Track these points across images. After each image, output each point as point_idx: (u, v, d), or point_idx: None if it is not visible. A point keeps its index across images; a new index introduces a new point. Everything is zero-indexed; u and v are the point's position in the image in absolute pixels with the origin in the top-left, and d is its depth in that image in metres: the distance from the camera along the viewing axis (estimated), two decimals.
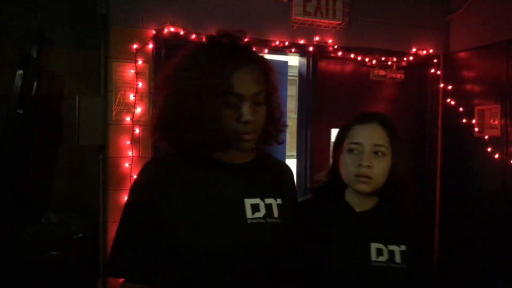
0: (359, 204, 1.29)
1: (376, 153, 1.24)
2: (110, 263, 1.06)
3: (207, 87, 0.99)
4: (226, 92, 0.99)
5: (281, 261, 1.08)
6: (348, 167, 1.25)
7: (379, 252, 1.22)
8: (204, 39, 1.09)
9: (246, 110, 1.01)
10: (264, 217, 1.05)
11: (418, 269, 1.24)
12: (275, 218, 1.06)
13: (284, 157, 3.04)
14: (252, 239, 1.02)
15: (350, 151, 1.26)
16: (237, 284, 1.00)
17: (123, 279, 1.05)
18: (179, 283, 1.02)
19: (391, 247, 1.23)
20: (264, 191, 1.09)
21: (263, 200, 1.07)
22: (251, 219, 1.03)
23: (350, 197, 1.31)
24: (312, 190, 1.44)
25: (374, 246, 1.23)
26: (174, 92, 1.03)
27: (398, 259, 1.22)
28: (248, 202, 1.05)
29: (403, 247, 1.23)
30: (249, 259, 1.01)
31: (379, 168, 1.23)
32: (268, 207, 1.07)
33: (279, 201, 1.10)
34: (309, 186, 2.51)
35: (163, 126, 1.05)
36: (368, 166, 1.21)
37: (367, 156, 1.22)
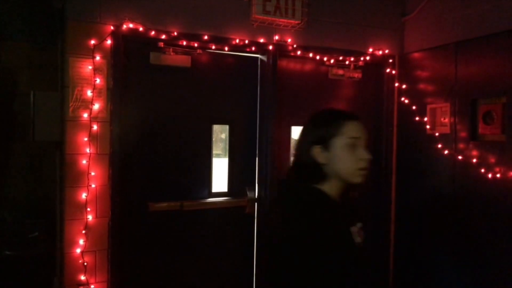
0: (338, 196, 1.39)
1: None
2: None
3: None
4: None
5: None
6: (349, 162, 1.32)
7: (354, 234, 1.36)
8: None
9: None
10: None
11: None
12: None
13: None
14: None
15: (352, 146, 1.31)
16: None
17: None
18: None
19: (356, 228, 1.37)
20: None
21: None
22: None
23: (332, 191, 1.37)
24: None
25: (351, 230, 1.35)
26: None
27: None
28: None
29: (359, 224, 1.39)
30: None
31: None
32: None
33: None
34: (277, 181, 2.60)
35: None
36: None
37: (367, 149, 1.34)
